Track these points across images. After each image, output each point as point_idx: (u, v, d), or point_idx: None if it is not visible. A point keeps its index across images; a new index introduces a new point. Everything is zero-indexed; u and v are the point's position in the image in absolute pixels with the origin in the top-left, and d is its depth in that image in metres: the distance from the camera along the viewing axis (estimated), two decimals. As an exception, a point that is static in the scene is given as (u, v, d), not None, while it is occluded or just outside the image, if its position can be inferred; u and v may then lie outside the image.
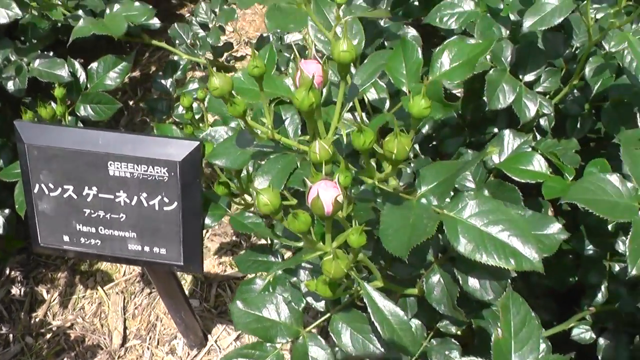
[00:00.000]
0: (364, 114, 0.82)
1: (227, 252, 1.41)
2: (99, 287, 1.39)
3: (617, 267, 0.95)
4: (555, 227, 0.76)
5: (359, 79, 0.72)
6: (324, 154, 0.60)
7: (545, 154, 0.95)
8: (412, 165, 1.12)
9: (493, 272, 0.72)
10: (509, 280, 0.73)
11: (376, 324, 0.65)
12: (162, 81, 1.37)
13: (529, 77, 0.99)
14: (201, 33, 1.40)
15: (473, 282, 0.73)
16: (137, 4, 1.23)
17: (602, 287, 0.96)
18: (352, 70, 0.84)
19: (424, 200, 0.69)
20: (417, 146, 1.18)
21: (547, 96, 1.03)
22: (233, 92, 0.64)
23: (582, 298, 0.99)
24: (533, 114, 0.96)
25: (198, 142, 0.80)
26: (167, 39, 1.52)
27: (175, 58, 1.40)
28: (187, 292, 1.36)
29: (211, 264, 1.39)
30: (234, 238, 1.43)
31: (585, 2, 0.89)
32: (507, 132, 0.97)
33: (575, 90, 1.04)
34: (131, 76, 1.79)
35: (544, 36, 1.03)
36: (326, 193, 0.57)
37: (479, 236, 0.66)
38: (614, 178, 0.76)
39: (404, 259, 0.78)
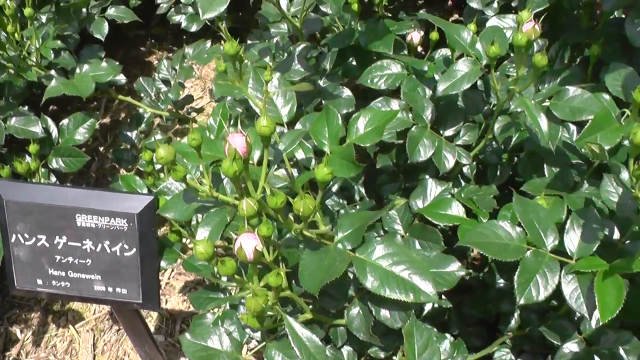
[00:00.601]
0: (295, 170, 1.00)
1: (191, 290, 1.58)
2: (70, 326, 1.55)
3: (526, 298, 1.13)
4: (455, 266, 0.94)
5: (283, 145, 0.90)
6: (249, 210, 0.78)
7: (462, 200, 1.13)
8: (357, 207, 1.30)
9: (399, 304, 0.89)
10: (413, 311, 0.90)
11: (295, 349, 0.82)
12: (128, 133, 1.55)
13: (449, 132, 1.17)
14: (163, 88, 1.58)
15: (384, 313, 0.91)
16: (104, 64, 1.41)
17: (515, 315, 1.14)
18: (287, 129, 1.03)
19: (340, 245, 0.87)
20: (362, 189, 1.37)
21: (472, 148, 1.21)
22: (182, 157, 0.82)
23: (499, 324, 1.16)
24: (452, 165, 1.14)
25: (153, 197, 0.98)
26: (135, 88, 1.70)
27: (140, 111, 1.58)
28: (153, 328, 1.52)
29: (176, 301, 1.56)
30: (197, 277, 1.60)
31: (492, 70, 1.08)
32: (430, 180, 1.16)
33: (493, 142, 1.23)
34: (101, 122, 1.98)
35: (464, 94, 1.21)
36: (248, 243, 0.74)
37: (384, 275, 0.84)
38: (505, 224, 0.94)
39: (331, 294, 0.97)
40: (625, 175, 0.97)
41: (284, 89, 0.99)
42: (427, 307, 1.20)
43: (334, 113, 0.96)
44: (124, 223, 0.99)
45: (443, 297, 1.25)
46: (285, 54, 1.24)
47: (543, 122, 1.03)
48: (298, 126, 1.04)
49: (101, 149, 1.90)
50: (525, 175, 1.19)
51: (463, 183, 1.25)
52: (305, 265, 0.83)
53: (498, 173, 1.24)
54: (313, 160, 1.01)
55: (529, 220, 0.93)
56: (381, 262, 0.85)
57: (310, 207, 0.75)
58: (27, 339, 1.54)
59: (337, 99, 1.21)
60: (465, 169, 1.23)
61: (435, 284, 0.89)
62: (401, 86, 1.19)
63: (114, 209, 0.99)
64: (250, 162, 0.95)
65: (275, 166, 0.90)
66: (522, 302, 0.88)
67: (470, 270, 1.36)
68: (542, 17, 1.40)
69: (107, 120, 1.99)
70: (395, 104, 1.15)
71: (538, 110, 1.04)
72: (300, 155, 0.99)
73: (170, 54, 2.06)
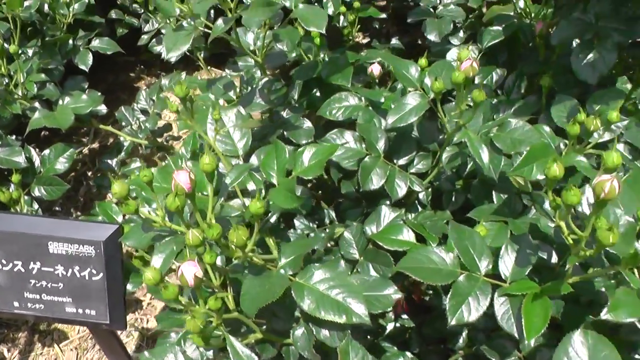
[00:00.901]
0: (248, 200, 1.12)
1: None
2: (55, 345, 1.68)
3: (473, 318, 1.23)
4: (391, 290, 1.05)
5: (229, 179, 1.02)
6: (194, 240, 0.89)
7: (412, 226, 1.24)
8: (327, 230, 1.42)
9: (337, 324, 1.00)
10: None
11: (236, 366, 0.93)
12: (109, 160, 1.69)
13: (402, 161, 1.28)
14: (142, 117, 1.72)
15: (324, 333, 1.01)
16: (84, 96, 1.54)
17: (463, 334, 1.24)
18: (249, 161, 1.15)
19: (282, 271, 0.99)
20: (333, 213, 1.49)
21: (427, 175, 1.32)
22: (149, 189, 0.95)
23: (447, 343, 1.27)
24: (404, 192, 1.24)
25: (117, 226, 1.10)
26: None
27: (121, 139, 1.72)
28: (134, 347, 1.64)
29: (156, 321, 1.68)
30: (177, 298, 1.72)
31: (438, 103, 1.19)
32: (383, 207, 1.26)
33: (447, 170, 1.34)
34: (90, 148, 2.12)
35: (420, 124, 1.33)
36: (188, 270, 0.86)
37: (320, 297, 0.95)
38: (439, 249, 1.05)
39: (279, 315, 1.08)
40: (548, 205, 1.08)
41: (239, 125, 1.11)
42: (389, 327, 1.31)
43: (282, 147, 1.08)
44: (91, 250, 1.12)
45: (406, 316, 1.37)
46: (250, 88, 1.36)
47: (484, 154, 1.14)
48: (253, 158, 1.16)
49: (89, 173, 2.04)
50: (477, 201, 1.30)
51: (420, 209, 1.36)
52: (247, 289, 0.95)
53: (453, 199, 1.35)
54: (263, 191, 1.12)
55: (464, 247, 1.04)
56: (318, 286, 0.96)
57: (243, 237, 0.86)
58: (14, 358, 1.67)
59: (297, 130, 1.33)
60: (421, 195, 1.34)
61: (372, 306, 1.01)
62: (358, 117, 1.31)
63: (82, 237, 1.11)
64: (205, 193, 1.07)
65: (223, 198, 1.02)
66: (453, 322, 0.98)
67: (431, 291, 1.47)
68: (501, 47, 1.53)
69: (95, 145, 2.13)
70: (349, 136, 1.26)
71: (480, 143, 1.15)
72: (251, 186, 1.11)
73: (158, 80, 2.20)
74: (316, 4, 1.77)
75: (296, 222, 1.45)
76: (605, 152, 0.89)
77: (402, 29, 2.00)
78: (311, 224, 1.45)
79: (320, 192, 1.68)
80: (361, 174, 1.22)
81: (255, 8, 1.10)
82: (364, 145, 1.26)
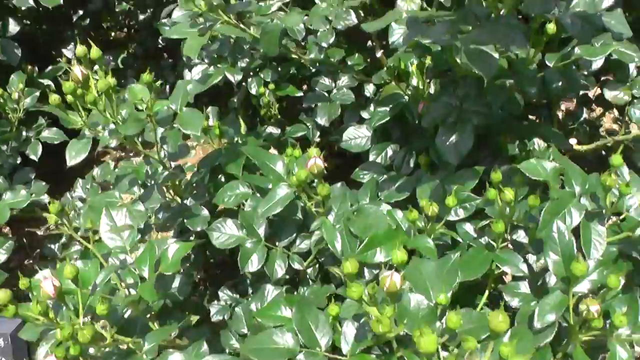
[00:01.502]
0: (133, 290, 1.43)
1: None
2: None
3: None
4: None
5: (100, 278, 1.32)
6: (62, 335, 1.20)
7: (289, 303, 1.50)
8: (248, 299, 1.71)
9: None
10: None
11: None
12: (51, 245, 2.03)
13: (284, 242, 1.55)
14: (80, 204, 2.05)
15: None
16: (23, 192, 1.88)
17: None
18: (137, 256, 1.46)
19: (145, 356, 1.29)
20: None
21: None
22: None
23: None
24: (283, 272, 1.52)
25: (21, 321, 1.43)
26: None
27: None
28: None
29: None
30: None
31: (300, 193, 1.47)
32: (268, 285, 1.53)
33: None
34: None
35: (303, 207, 1.60)
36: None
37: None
38: (280, 330, 1.30)
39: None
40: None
41: (118, 228, 1.42)
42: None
43: (153, 246, 1.38)
44: (1, 341, 1.44)
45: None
46: (152, 181, 1.66)
47: (337, 241, 1.40)
48: (139, 253, 1.46)
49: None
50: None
51: (311, 282, 1.64)
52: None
53: (338, 274, 1.62)
54: (139, 283, 1.42)
55: (306, 325, 1.28)
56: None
57: (88, 336, 1.16)
58: None
59: (196, 217, 1.63)
60: (309, 271, 1.62)
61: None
62: (246, 203, 1.59)
63: (-6, 330, 1.45)
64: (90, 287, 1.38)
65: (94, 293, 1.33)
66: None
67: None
68: (394, 124, 1.79)
69: (61, 221, 2.47)
70: (231, 223, 1.54)
71: (333, 231, 1.40)
72: (130, 280, 1.42)
73: (123, 153, 2.55)
74: (244, 83, 2.08)
75: (220, 294, 1.75)
76: (392, 250, 1.16)
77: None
78: (235, 295, 1.76)
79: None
80: (240, 258, 1.49)
81: (129, 123, 1.41)
82: (244, 231, 1.54)
